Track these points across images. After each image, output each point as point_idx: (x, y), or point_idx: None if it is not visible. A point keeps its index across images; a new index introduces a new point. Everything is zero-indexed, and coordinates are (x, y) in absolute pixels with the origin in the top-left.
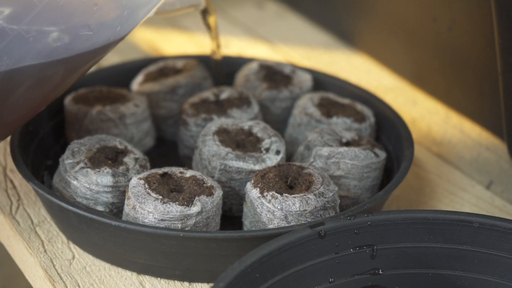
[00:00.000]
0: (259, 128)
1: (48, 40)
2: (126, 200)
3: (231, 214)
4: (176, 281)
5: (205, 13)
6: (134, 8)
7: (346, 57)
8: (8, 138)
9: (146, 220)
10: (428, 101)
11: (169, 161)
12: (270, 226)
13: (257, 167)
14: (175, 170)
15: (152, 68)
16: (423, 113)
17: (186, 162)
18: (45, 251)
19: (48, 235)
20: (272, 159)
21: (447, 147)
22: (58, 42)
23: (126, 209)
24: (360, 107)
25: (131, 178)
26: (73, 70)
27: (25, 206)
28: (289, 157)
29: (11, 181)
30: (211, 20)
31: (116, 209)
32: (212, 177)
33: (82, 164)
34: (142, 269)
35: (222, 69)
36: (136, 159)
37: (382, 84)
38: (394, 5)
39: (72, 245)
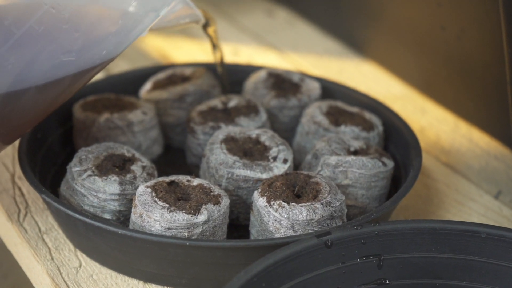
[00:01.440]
0: (266, 137)
1: (28, 67)
2: (133, 208)
3: (238, 223)
4: None
5: (205, 26)
6: (119, 34)
7: (355, 65)
8: (16, 145)
9: (152, 229)
10: (437, 110)
11: (177, 169)
12: (277, 235)
13: (265, 175)
14: (182, 179)
15: (160, 75)
16: (432, 121)
17: (193, 170)
18: (52, 258)
19: (55, 243)
20: (279, 168)
21: (456, 156)
22: (39, 67)
23: (133, 217)
24: (368, 115)
25: (138, 186)
26: (61, 92)
27: (33, 213)
28: (297, 165)
29: (19, 188)
30: (211, 31)
31: (123, 217)
32: (220, 185)
33: (89, 172)
34: (148, 278)
35: (228, 78)
36: (143, 167)
37: (390, 93)
38: (403, 14)
39: (79, 253)
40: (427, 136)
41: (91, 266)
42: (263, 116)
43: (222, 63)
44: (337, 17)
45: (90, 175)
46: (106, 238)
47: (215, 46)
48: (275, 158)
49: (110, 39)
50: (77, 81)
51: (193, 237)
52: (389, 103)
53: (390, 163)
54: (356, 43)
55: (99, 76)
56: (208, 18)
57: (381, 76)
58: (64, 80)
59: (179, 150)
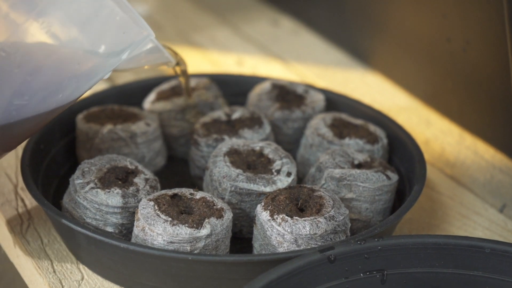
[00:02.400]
0: (270, 149)
1: None
2: (135, 222)
3: (242, 236)
4: None
5: (176, 64)
6: (76, 78)
7: (360, 76)
8: (20, 156)
9: (155, 242)
10: (442, 122)
11: (180, 181)
12: (280, 250)
13: (268, 189)
14: (185, 192)
15: (164, 86)
16: (437, 133)
17: (197, 182)
18: (54, 271)
19: (57, 255)
20: (283, 181)
21: (461, 168)
22: None
23: (136, 230)
24: (373, 128)
25: (141, 199)
26: (20, 133)
27: (36, 225)
28: (301, 178)
29: (22, 200)
30: (181, 70)
31: (126, 230)
32: (223, 198)
33: (92, 185)
34: None
35: (198, 118)
36: (146, 180)
37: (395, 104)
38: (409, 25)
39: (81, 266)
40: (432, 148)
41: (93, 279)
42: (267, 128)
43: (194, 106)
44: (342, 27)
45: (92, 188)
46: (108, 252)
47: (186, 89)
48: (278, 171)
49: (66, 83)
50: (35, 124)
51: (195, 251)
52: (394, 115)
53: (395, 177)
54: (361, 53)
55: (102, 86)
56: (178, 60)
57: (386, 87)
58: (19, 123)
59: (183, 162)
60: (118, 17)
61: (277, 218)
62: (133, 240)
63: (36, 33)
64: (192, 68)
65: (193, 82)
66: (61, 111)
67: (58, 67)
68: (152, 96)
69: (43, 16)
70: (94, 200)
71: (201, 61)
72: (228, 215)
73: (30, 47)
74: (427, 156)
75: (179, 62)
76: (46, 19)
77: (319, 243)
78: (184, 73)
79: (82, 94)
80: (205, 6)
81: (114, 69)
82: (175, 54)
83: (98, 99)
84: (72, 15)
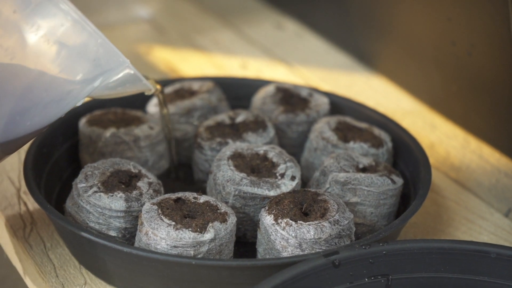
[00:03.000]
0: (274, 153)
1: None
2: (139, 226)
3: (245, 240)
4: None
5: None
6: (46, 106)
7: (365, 80)
8: (23, 159)
9: (158, 247)
10: (447, 125)
11: (184, 185)
12: (284, 254)
13: (272, 193)
14: (189, 195)
15: (168, 89)
16: (442, 137)
17: (201, 186)
18: (57, 276)
19: (60, 260)
20: (287, 185)
21: (466, 172)
22: None
23: (139, 234)
24: (377, 131)
25: (144, 203)
26: None
27: (38, 229)
28: (305, 181)
29: (25, 203)
30: (160, 96)
31: (129, 234)
32: (227, 202)
33: (95, 188)
34: None
35: (176, 149)
36: (150, 184)
37: (400, 107)
38: (414, 28)
39: (84, 271)
40: (437, 152)
41: (96, 284)
42: (271, 131)
43: (170, 132)
44: (346, 31)
45: (95, 192)
46: (111, 256)
47: (164, 114)
48: (282, 175)
49: (33, 110)
50: (4, 150)
51: (199, 256)
52: (399, 118)
53: (399, 181)
54: (366, 57)
55: None
56: (157, 88)
57: (390, 90)
58: None
59: (186, 165)
60: (91, 44)
61: (281, 222)
62: (136, 244)
63: (1, 55)
64: (195, 71)
65: (196, 85)
66: (31, 138)
67: (23, 93)
68: (155, 100)
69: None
70: (97, 204)
71: (205, 64)
72: (232, 219)
73: None
74: (432, 160)
75: (157, 89)
76: (11, 44)
77: (324, 248)
78: (161, 99)
79: (53, 120)
80: (209, 9)
81: (90, 96)
82: (154, 82)
83: (101, 102)
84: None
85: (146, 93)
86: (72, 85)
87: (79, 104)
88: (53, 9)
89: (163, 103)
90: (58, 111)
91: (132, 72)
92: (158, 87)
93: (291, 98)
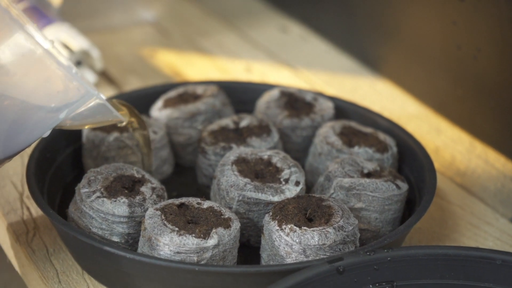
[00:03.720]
0: (278, 158)
1: None
2: (142, 231)
3: (249, 245)
4: None
5: (134, 128)
6: (6, 137)
7: (370, 83)
8: (25, 164)
9: (161, 252)
10: (452, 130)
11: (187, 190)
12: (288, 260)
13: (276, 198)
14: (193, 201)
15: (171, 93)
16: (447, 142)
17: (204, 191)
18: (59, 281)
19: (63, 265)
20: (291, 190)
21: (471, 177)
22: None
23: (142, 240)
24: (382, 136)
25: (147, 209)
26: None
27: (41, 234)
28: (309, 186)
29: (28, 208)
30: (138, 134)
31: (132, 240)
32: (230, 208)
33: (98, 194)
34: None
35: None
36: (153, 189)
37: (405, 111)
38: (419, 32)
39: (86, 276)
40: (442, 157)
41: None
42: (275, 136)
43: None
44: (351, 34)
45: (98, 197)
46: (114, 262)
47: (142, 153)
48: (287, 180)
49: None
50: None
51: (202, 262)
52: (404, 122)
53: (404, 186)
54: (371, 60)
55: (109, 93)
56: (137, 121)
57: (395, 94)
58: None
59: (190, 170)
60: (56, 76)
61: (285, 228)
62: (139, 250)
63: None
64: (200, 75)
65: (200, 89)
66: None
67: None
68: (159, 103)
69: None
70: (100, 210)
71: (209, 67)
72: (236, 225)
73: None
74: (437, 164)
75: (139, 124)
76: None
77: (328, 254)
78: (142, 136)
79: (16, 154)
80: (213, 12)
81: (59, 127)
82: (132, 113)
83: None
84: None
85: (119, 125)
86: (36, 116)
87: (45, 135)
88: (21, 39)
89: (139, 129)
90: (22, 142)
91: (101, 102)
92: (133, 120)
93: (295, 102)
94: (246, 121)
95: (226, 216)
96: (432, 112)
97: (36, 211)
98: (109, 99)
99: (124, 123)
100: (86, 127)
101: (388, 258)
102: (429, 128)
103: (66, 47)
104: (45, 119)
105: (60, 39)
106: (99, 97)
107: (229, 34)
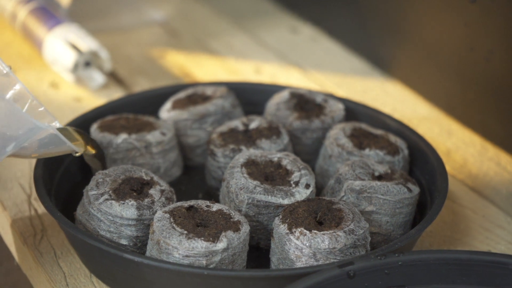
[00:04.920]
0: (288, 161)
1: None
2: (150, 234)
3: (259, 248)
4: None
5: (89, 155)
6: None
7: (381, 85)
8: (33, 166)
9: (170, 256)
10: (464, 132)
11: (196, 193)
12: (298, 264)
13: (286, 201)
14: (202, 204)
15: (180, 95)
16: (459, 144)
17: (213, 193)
18: (67, 284)
19: (70, 268)
20: (301, 193)
21: (483, 180)
22: None
23: (150, 243)
24: (393, 138)
25: (156, 211)
26: None
27: (49, 236)
28: (319, 189)
29: (35, 210)
30: (94, 162)
31: (140, 243)
32: (240, 210)
33: (106, 196)
34: None
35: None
36: (162, 191)
37: (416, 113)
38: (431, 34)
39: (94, 279)
40: (454, 159)
41: None
42: (285, 138)
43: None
44: (362, 35)
45: (107, 199)
46: (122, 265)
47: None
48: (297, 183)
49: None
50: None
51: (211, 265)
52: (415, 124)
53: (416, 189)
54: (382, 62)
55: (118, 95)
56: (92, 146)
57: (406, 96)
58: None
59: (199, 172)
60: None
61: (295, 231)
62: (147, 253)
63: None
64: (209, 76)
65: (210, 91)
66: None
67: None
68: (168, 105)
69: None
70: (108, 212)
71: (219, 68)
72: (246, 228)
73: None
74: (448, 167)
75: (90, 149)
76: None
77: (338, 258)
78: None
79: None
80: (223, 13)
81: (15, 156)
82: (87, 140)
83: (113, 108)
84: None
85: (74, 155)
86: None
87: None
88: None
89: (95, 154)
90: None
91: (54, 133)
92: (88, 147)
93: (305, 104)
94: (255, 122)
95: (236, 219)
96: (443, 114)
97: (44, 213)
98: (62, 129)
99: (78, 154)
100: (43, 156)
101: (399, 263)
102: (440, 130)
103: (75, 47)
104: None
105: (69, 39)
106: (51, 128)
107: (239, 35)
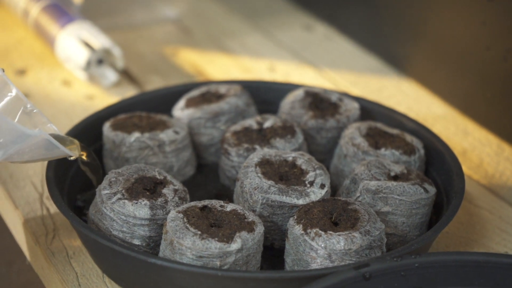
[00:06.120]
0: (303, 160)
1: None
2: (163, 235)
3: (273, 249)
4: None
5: (83, 161)
6: None
7: (395, 84)
8: (45, 164)
9: (183, 256)
10: (480, 132)
11: (210, 192)
12: (313, 265)
13: (301, 201)
14: (215, 204)
15: (194, 93)
16: (475, 144)
17: (227, 193)
18: (79, 284)
19: (83, 268)
20: (316, 193)
21: (500, 181)
22: None
23: (163, 244)
24: (409, 138)
25: (169, 211)
26: None
27: (61, 236)
28: (333, 189)
29: (47, 209)
30: (88, 170)
31: (153, 243)
32: (254, 211)
33: (119, 195)
34: None
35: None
36: (175, 191)
37: (432, 112)
38: (447, 32)
39: (107, 280)
40: (470, 159)
41: None
42: (300, 138)
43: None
44: (377, 33)
45: (119, 199)
46: (135, 266)
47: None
48: (312, 183)
49: None
50: None
51: (225, 266)
52: (430, 124)
53: (432, 190)
54: (397, 60)
55: (130, 93)
56: (86, 154)
57: (421, 95)
58: None
59: (212, 172)
60: None
61: (310, 232)
62: (161, 254)
63: None
64: (222, 74)
65: (223, 89)
66: None
67: None
68: (181, 103)
69: None
70: (121, 212)
71: (232, 66)
72: (260, 229)
73: None
74: (464, 167)
75: (85, 156)
76: None
77: (354, 259)
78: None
79: None
80: (236, 11)
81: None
82: (81, 147)
83: (125, 106)
84: None
85: (69, 158)
86: None
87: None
88: None
89: (89, 163)
90: None
91: (46, 138)
92: (83, 153)
93: (320, 103)
94: (270, 121)
95: (250, 220)
96: (458, 114)
97: (56, 212)
98: (55, 135)
99: (73, 157)
100: (36, 161)
101: (416, 264)
102: (456, 129)
103: (88, 45)
104: None
105: (82, 37)
106: (42, 133)
107: (252, 33)
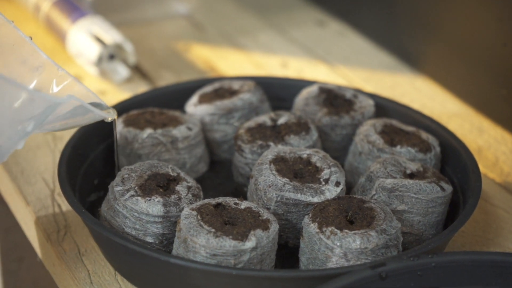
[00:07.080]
0: (318, 157)
1: None
2: (177, 232)
3: (287, 246)
4: None
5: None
6: None
7: (409, 81)
8: (57, 160)
9: (197, 255)
10: (495, 129)
11: (223, 189)
12: (329, 264)
13: (316, 199)
14: (230, 201)
15: (207, 89)
16: (490, 141)
17: (241, 190)
18: (91, 282)
19: (95, 265)
20: (331, 191)
21: None
22: None
23: (177, 241)
24: (425, 135)
25: (183, 208)
26: None
27: (72, 233)
28: (348, 186)
29: (59, 206)
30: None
31: (167, 241)
32: (268, 208)
33: (132, 192)
34: None
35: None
36: (189, 188)
37: (446, 110)
38: (462, 28)
39: (119, 277)
40: (485, 157)
41: None
42: (314, 134)
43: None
44: (390, 29)
45: (132, 195)
46: (148, 264)
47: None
48: (327, 181)
49: None
50: None
51: (239, 265)
52: (445, 121)
53: (449, 188)
54: (411, 57)
55: (143, 89)
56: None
57: (436, 92)
58: None
59: (226, 168)
60: (9, 94)
61: (325, 230)
62: (174, 251)
63: None
64: (234, 70)
65: (237, 85)
66: None
67: None
68: (194, 99)
69: None
70: (134, 209)
71: (245, 63)
72: (275, 227)
73: None
74: (479, 165)
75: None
76: None
77: (370, 258)
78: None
79: None
80: (248, 7)
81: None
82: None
83: (138, 102)
84: None
85: (106, 121)
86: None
87: (19, 147)
88: None
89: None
90: None
91: (79, 104)
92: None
93: (335, 99)
94: (284, 118)
95: (265, 218)
96: (473, 111)
97: (67, 208)
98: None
99: (110, 119)
100: (71, 128)
101: (433, 264)
102: (471, 127)
103: (99, 40)
104: (10, 135)
105: (93, 32)
106: (76, 99)
107: (265, 28)
